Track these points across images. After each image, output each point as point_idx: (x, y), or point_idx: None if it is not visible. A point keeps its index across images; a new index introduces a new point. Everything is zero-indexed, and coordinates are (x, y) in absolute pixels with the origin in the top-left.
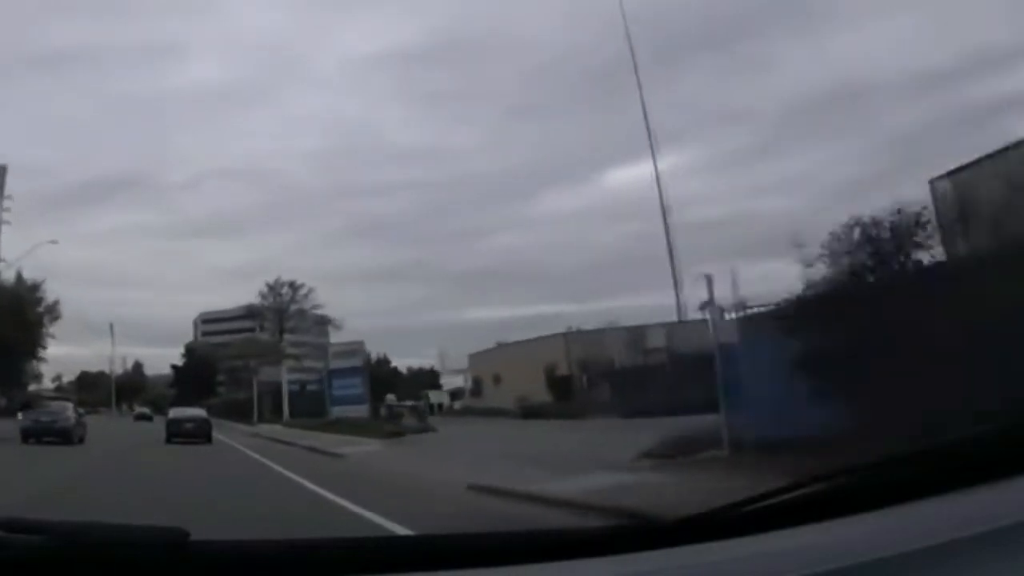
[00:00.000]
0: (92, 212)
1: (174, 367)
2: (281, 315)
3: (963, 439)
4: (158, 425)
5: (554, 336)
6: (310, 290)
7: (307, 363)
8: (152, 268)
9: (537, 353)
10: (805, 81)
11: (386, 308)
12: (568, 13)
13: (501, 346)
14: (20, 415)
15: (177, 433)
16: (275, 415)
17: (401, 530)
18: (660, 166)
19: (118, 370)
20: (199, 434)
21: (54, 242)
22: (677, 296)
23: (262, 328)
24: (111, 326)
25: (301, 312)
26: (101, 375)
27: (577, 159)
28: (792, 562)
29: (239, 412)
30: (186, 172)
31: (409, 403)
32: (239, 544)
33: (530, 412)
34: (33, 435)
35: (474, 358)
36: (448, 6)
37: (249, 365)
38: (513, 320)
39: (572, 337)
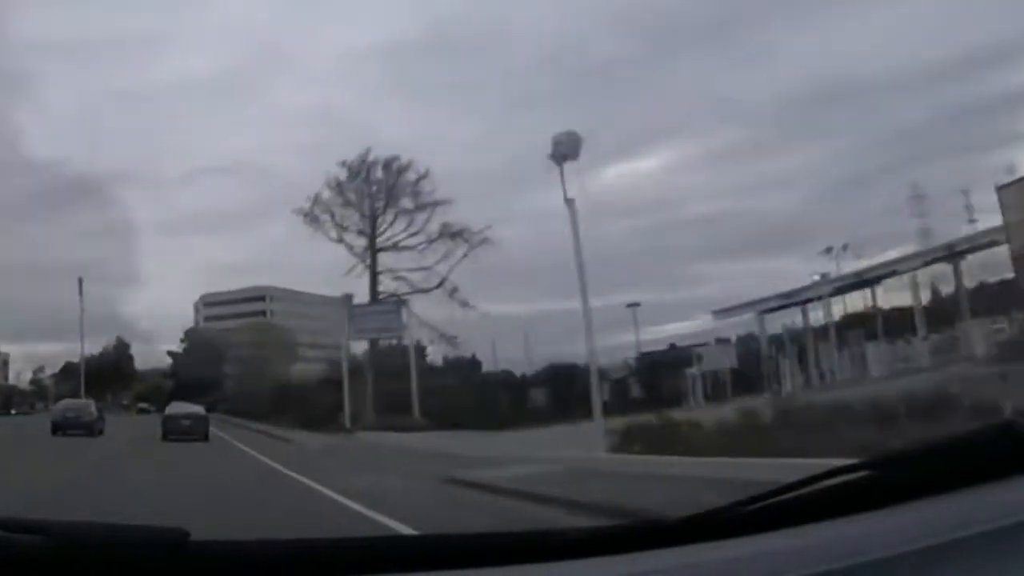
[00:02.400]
0: (84, 209)
1: (171, 354)
2: (374, 211)
3: (963, 439)
4: (156, 420)
5: None
6: (421, 176)
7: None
8: (146, 266)
9: None
10: (804, 74)
11: None
12: (564, 6)
13: None
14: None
15: (175, 431)
16: (396, 414)
17: None
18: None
19: (94, 350)
20: (196, 432)
21: None
22: None
23: (341, 239)
24: (80, 281)
25: (418, 210)
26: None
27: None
28: (792, 562)
29: (271, 412)
30: (180, 168)
31: None
32: (239, 544)
33: None
34: (61, 428)
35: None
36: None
37: (262, 355)
38: (516, 317)
39: None
